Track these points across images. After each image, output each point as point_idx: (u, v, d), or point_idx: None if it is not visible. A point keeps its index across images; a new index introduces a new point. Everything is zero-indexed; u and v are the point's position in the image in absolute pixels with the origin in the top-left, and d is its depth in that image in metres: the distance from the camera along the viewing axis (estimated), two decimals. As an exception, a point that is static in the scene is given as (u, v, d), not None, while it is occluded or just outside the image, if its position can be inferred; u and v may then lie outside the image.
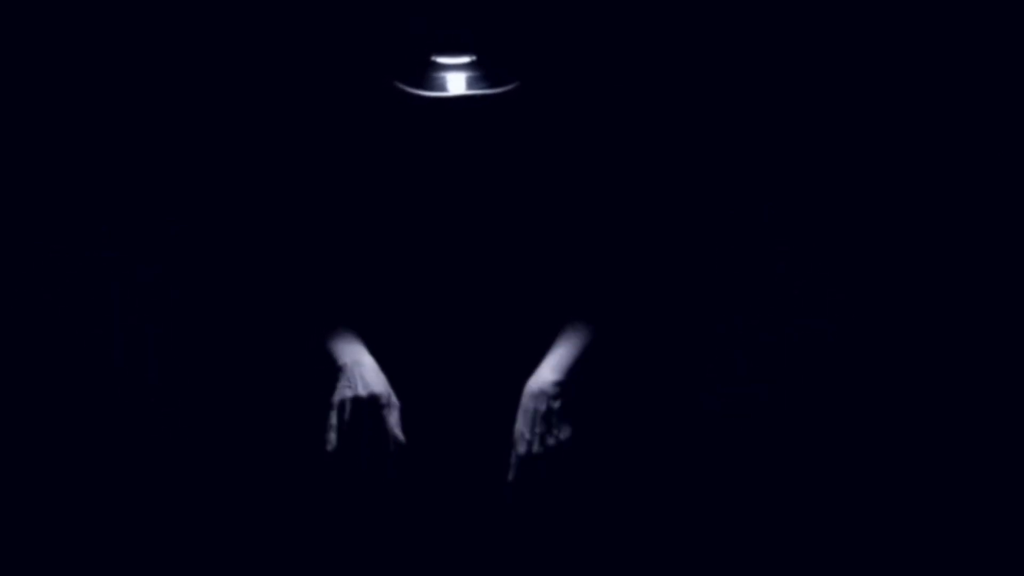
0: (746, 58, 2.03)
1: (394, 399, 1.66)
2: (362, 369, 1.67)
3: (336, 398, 1.65)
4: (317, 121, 1.87)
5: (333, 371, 1.70)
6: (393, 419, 1.65)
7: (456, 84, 1.71)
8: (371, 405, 1.63)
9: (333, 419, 1.65)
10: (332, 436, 1.64)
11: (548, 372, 1.69)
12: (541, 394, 1.66)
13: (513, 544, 1.78)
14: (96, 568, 2.07)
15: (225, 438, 2.11)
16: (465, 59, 1.69)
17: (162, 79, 2.08)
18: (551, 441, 1.64)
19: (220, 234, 2.09)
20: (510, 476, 1.64)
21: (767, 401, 2.05)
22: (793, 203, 2.05)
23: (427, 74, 1.72)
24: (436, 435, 1.80)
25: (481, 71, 1.71)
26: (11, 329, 2.07)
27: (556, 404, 1.66)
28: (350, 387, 1.65)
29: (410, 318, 1.82)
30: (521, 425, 1.65)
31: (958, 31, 1.98)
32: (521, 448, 1.64)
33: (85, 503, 2.09)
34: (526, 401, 1.66)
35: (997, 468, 1.99)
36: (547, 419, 1.64)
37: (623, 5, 2.02)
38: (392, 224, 1.81)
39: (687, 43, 2.04)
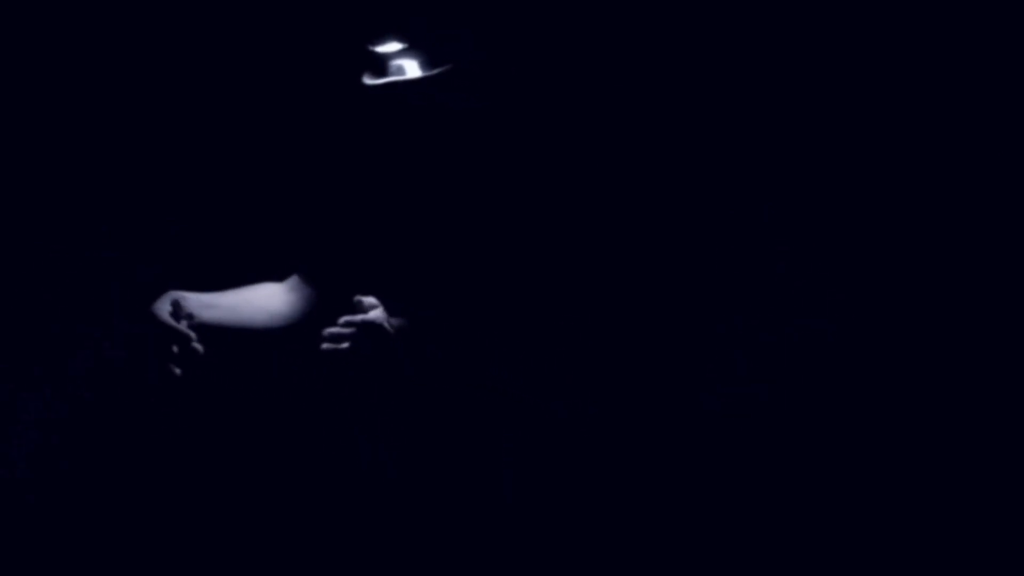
0: (747, 57, 2.03)
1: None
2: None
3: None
4: (305, 121, 1.89)
5: None
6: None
7: (393, 70, 1.74)
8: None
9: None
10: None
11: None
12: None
13: (512, 543, 1.78)
14: (97, 566, 2.07)
15: (225, 438, 2.11)
16: (397, 46, 1.72)
17: (161, 82, 2.08)
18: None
19: (220, 234, 2.09)
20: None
21: (767, 401, 2.05)
22: (793, 203, 2.05)
23: (373, 64, 1.75)
24: (430, 434, 1.80)
25: (415, 56, 1.73)
26: (11, 329, 2.07)
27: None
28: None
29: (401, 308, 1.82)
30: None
31: (958, 31, 1.98)
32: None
33: (85, 501, 2.09)
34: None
35: (997, 468, 1.99)
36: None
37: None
38: (383, 215, 1.82)
39: (690, 42, 2.04)
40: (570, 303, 1.84)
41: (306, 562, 1.98)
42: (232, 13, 2.07)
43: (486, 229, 1.81)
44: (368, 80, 1.74)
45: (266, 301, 1.81)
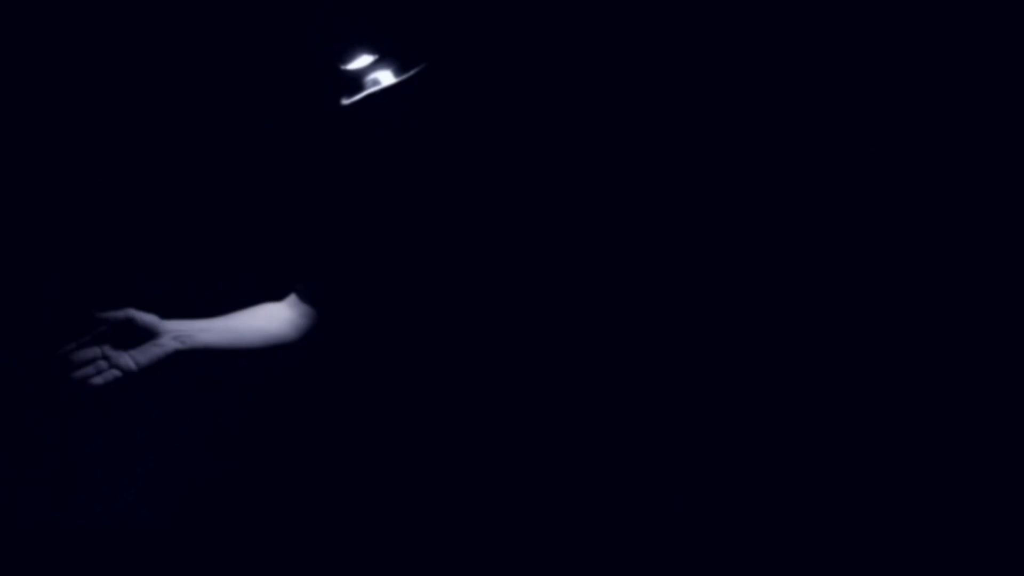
0: (746, 57, 2.03)
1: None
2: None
3: None
4: (300, 132, 1.90)
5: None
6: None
7: (368, 84, 1.75)
8: None
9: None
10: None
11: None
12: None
13: (513, 543, 1.78)
14: (95, 567, 2.08)
15: (225, 437, 2.12)
16: (368, 60, 1.73)
17: (162, 83, 2.09)
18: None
19: (220, 234, 2.10)
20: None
21: (767, 401, 2.05)
22: (793, 203, 2.05)
23: (348, 83, 1.76)
24: (429, 433, 1.80)
25: (387, 66, 1.74)
26: (11, 329, 2.08)
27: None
28: None
29: (403, 314, 1.83)
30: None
31: (958, 31, 1.98)
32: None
33: (86, 502, 2.10)
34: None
35: (997, 468, 1.99)
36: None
37: None
38: (380, 222, 1.83)
39: (690, 41, 2.04)
40: (570, 303, 1.84)
41: (307, 562, 1.98)
42: (233, 19, 2.08)
43: (484, 231, 1.81)
44: (346, 100, 1.75)
45: (263, 323, 1.81)
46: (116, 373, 1.57)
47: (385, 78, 1.72)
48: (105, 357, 1.57)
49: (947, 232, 2.02)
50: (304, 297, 1.85)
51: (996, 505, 1.98)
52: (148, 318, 1.61)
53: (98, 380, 1.56)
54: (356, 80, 1.73)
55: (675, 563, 2.00)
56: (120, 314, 1.58)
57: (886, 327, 2.04)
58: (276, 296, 1.88)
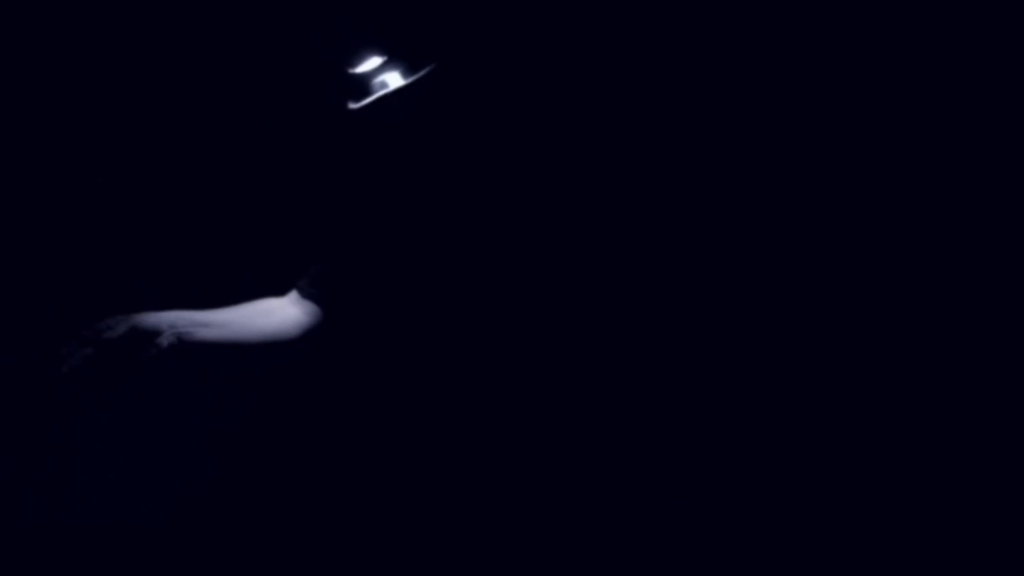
0: (750, 58, 2.03)
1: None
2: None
3: None
4: (303, 132, 1.90)
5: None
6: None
7: (377, 87, 1.75)
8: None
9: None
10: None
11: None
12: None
13: (513, 543, 1.78)
14: (100, 564, 2.08)
15: (225, 437, 2.12)
16: (376, 62, 1.72)
17: (166, 83, 2.09)
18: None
19: (220, 234, 2.10)
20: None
21: (767, 401, 2.05)
22: (793, 203, 2.05)
23: (355, 87, 1.75)
24: (429, 435, 1.80)
25: (395, 68, 1.73)
26: (11, 329, 2.08)
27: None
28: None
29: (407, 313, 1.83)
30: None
31: (958, 31, 1.98)
32: None
33: (85, 505, 2.10)
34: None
35: (997, 468, 1.99)
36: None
37: None
38: (382, 223, 1.83)
39: (690, 40, 2.04)
40: (572, 303, 1.84)
41: (307, 562, 1.98)
42: (239, 21, 2.08)
43: (490, 231, 1.81)
44: (353, 104, 1.74)
45: (263, 319, 1.80)
46: (116, 373, 1.57)
47: (393, 80, 1.71)
48: (105, 356, 1.57)
49: (947, 232, 2.02)
50: (306, 295, 1.85)
51: (996, 505, 1.98)
52: (148, 320, 1.61)
53: (98, 380, 1.56)
54: (364, 83, 1.72)
55: (675, 563, 2.00)
56: (123, 328, 1.58)
57: (886, 327, 2.04)
58: (277, 295, 1.88)
